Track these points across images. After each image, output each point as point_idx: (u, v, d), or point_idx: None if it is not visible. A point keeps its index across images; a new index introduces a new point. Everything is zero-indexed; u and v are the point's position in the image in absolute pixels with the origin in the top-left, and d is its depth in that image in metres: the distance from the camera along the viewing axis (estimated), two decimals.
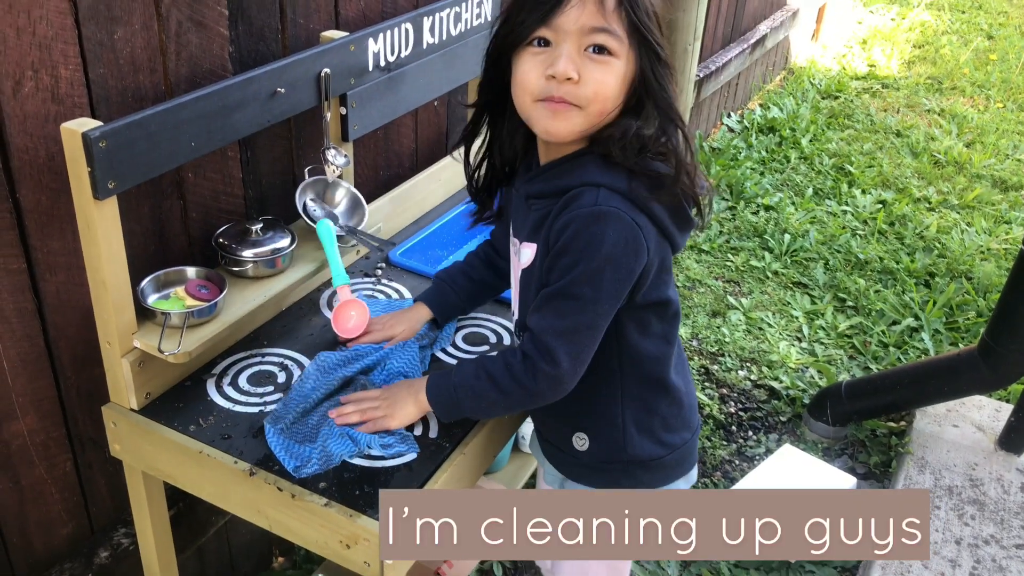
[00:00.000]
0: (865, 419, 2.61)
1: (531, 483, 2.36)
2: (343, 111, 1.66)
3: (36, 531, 1.47)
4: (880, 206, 3.98)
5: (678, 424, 1.40)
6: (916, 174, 4.34)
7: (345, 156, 1.67)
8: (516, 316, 1.42)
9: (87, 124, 1.19)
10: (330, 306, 1.69)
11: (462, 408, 1.32)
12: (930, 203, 4.07)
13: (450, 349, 1.60)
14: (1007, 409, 2.53)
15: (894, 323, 3.18)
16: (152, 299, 1.43)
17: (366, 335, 1.53)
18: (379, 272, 1.82)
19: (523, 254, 1.32)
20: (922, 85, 5.57)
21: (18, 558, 1.45)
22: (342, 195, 1.72)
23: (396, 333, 1.53)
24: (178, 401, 1.43)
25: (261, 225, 1.56)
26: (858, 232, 3.77)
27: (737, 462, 2.53)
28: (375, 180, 2.03)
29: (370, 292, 1.74)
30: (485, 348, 1.61)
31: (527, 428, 2.22)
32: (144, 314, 1.40)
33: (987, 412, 2.59)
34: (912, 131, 4.81)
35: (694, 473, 1.46)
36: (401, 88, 1.80)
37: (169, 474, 1.41)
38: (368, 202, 1.88)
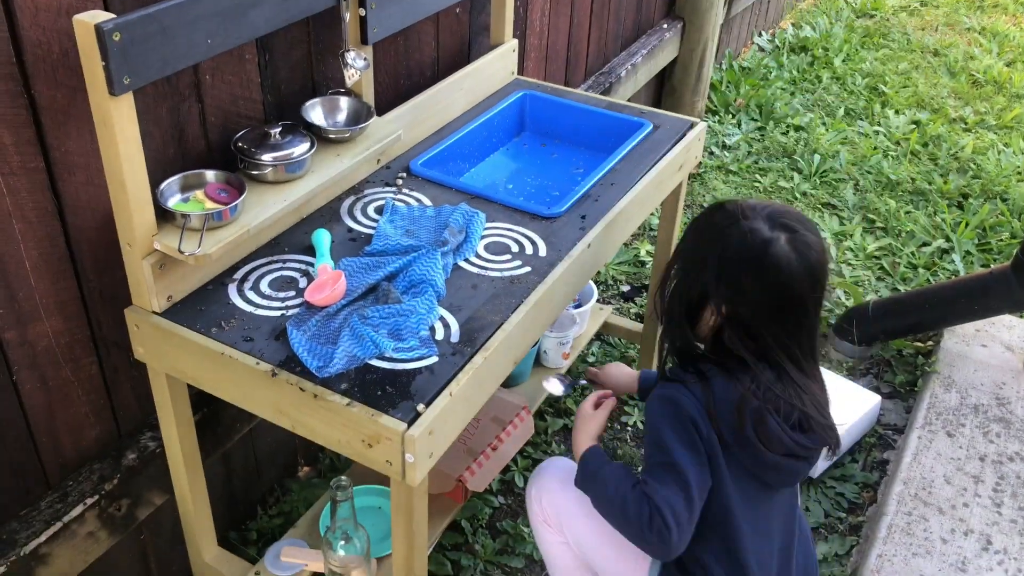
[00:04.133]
0: (892, 339, 2.58)
1: (550, 398, 2.37)
2: (362, 12, 1.62)
3: (64, 432, 1.49)
4: (914, 127, 3.88)
5: None
6: (953, 94, 4.21)
7: (365, 59, 1.63)
8: None
9: (100, 16, 1.16)
10: (351, 215, 1.68)
11: (592, 496, 1.45)
12: (966, 123, 3.96)
13: (473, 258, 1.58)
14: None
15: (924, 244, 3.12)
16: (172, 201, 1.42)
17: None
18: (399, 182, 1.79)
19: None
20: (962, 3, 5.37)
21: (48, 458, 1.48)
22: (349, 105, 1.69)
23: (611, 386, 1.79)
24: (200, 304, 1.43)
25: (280, 129, 1.54)
26: (890, 153, 3.68)
27: None
28: (395, 89, 1.99)
29: (391, 201, 1.71)
30: (507, 257, 1.59)
31: (549, 343, 2.22)
32: (164, 217, 1.39)
33: (1017, 332, 2.55)
34: (950, 50, 4.65)
35: None
36: None
37: (192, 376, 1.42)
38: (387, 111, 1.85)
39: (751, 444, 1.36)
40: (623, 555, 1.52)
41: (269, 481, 2.06)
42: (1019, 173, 3.55)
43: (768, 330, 1.37)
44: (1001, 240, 3.13)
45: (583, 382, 1.89)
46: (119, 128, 1.22)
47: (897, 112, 4.00)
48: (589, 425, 1.58)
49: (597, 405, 1.63)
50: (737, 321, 1.39)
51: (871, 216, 3.26)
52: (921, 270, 2.98)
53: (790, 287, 1.35)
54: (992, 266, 2.48)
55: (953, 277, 2.93)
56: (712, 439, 1.36)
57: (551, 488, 1.62)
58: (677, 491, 1.33)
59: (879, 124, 3.90)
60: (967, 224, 3.18)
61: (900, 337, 2.58)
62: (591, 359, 2.55)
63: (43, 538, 1.42)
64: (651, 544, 1.34)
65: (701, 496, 1.36)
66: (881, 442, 2.33)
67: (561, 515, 1.60)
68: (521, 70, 2.50)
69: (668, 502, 1.32)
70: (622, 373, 1.82)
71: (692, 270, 1.43)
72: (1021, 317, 2.64)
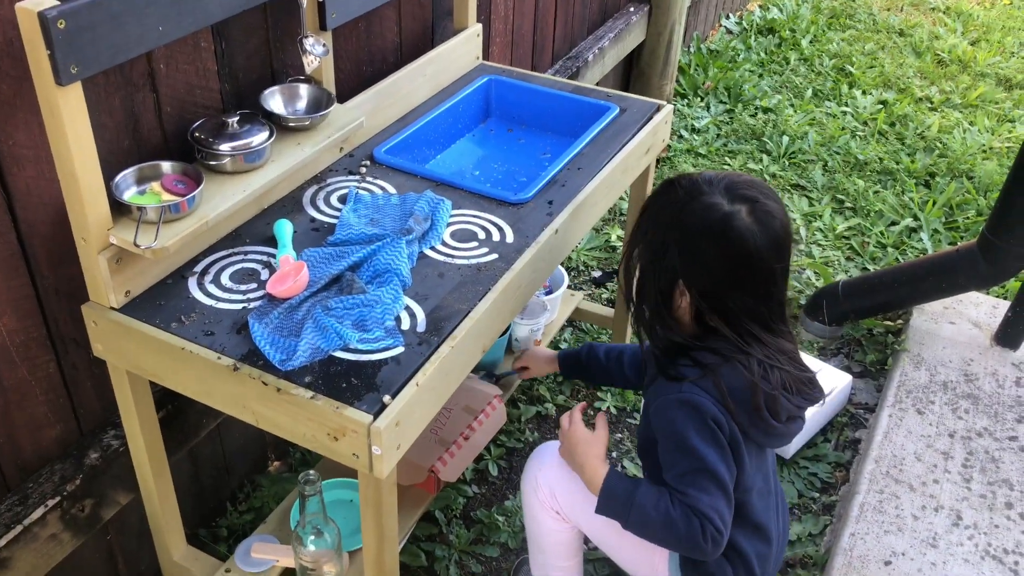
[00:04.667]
0: (862, 318, 2.59)
1: (525, 383, 2.36)
2: None
3: (23, 433, 1.45)
4: (881, 107, 3.89)
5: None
6: (919, 74, 4.24)
7: (324, 45, 1.60)
8: None
9: (44, 3, 1.12)
10: (313, 204, 1.65)
11: (626, 521, 1.39)
12: (932, 103, 3.98)
13: (439, 247, 1.56)
14: (1004, 306, 2.51)
15: (893, 223, 3.14)
16: (127, 194, 1.38)
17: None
18: (363, 170, 1.76)
19: None
20: None
21: (6, 460, 1.44)
22: (310, 93, 1.65)
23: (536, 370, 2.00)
24: (159, 299, 1.40)
25: (238, 118, 1.50)
26: (858, 133, 3.70)
27: None
28: (357, 76, 1.96)
29: (355, 190, 1.69)
30: (474, 244, 1.57)
31: (520, 330, 2.20)
32: (120, 210, 1.35)
33: (984, 309, 2.57)
34: (915, 30, 4.68)
35: None
36: None
37: (153, 372, 1.38)
38: (350, 98, 1.82)
39: (765, 422, 1.36)
40: (642, 545, 1.48)
41: (239, 477, 2.03)
42: (984, 151, 3.58)
43: (739, 304, 1.36)
44: (967, 218, 3.16)
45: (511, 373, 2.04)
46: (68, 119, 1.19)
47: (864, 92, 4.01)
48: (595, 447, 1.47)
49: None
50: (709, 298, 1.37)
51: (840, 196, 3.28)
52: (890, 249, 3.00)
53: (757, 258, 1.34)
54: (959, 244, 2.50)
55: (921, 255, 2.95)
56: (734, 431, 1.36)
57: (559, 478, 1.57)
58: (719, 495, 1.33)
59: (847, 105, 3.91)
60: (934, 203, 3.20)
61: (870, 316, 2.59)
62: (563, 345, 2.54)
63: (2, 542, 1.39)
64: (707, 551, 1.33)
65: (733, 488, 1.37)
66: (853, 421, 2.34)
67: (575, 507, 1.57)
68: (486, 55, 2.48)
69: (715, 508, 1.32)
70: (542, 355, 1.97)
71: (655, 256, 1.41)
72: (987, 294, 2.66)
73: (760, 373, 1.35)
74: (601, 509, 1.42)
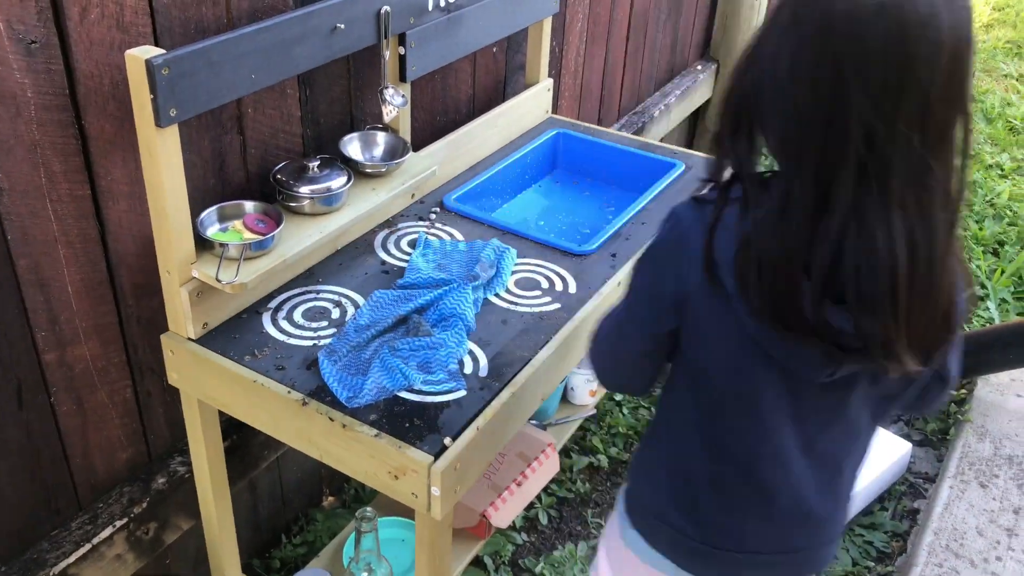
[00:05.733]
0: None
1: (578, 433, 2.37)
2: (401, 51, 1.66)
3: (97, 455, 1.51)
4: None
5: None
6: (989, 140, 4.19)
7: (403, 96, 1.66)
8: None
9: (151, 51, 1.20)
10: (384, 248, 1.70)
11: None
12: (1003, 170, 3.93)
13: (504, 294, 1.60)
14: None
15: None
16: (211, 231, 1.45)
17: None
18: (433, 216, 1.82)
19: None
20: (1000, 49, 5.35)
21: (80, 478, 1.50)
22: (386, 141, 1.72)
23: None
24: (234, 332, 1.46)
25: (318, 163, 1.57)
26: None
27: None
28: (432, 126, 2.03)
29: (424, 235, 1.74)
30: (537, 293, 1.60)
31: (576, 380, 2.22)
32: (203, 246, 1.42)
33: None
34: (987, 96, 4.63)
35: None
36: (460, 30, 1.78)
37: (224, 403, 1.44)
38: (423, 147, 1.88)
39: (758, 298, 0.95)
40: None
41: (294, 510, 2.07)
42: None
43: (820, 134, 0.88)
44: None
45: None
46: (164, 159, 1.26)
47: None
48: None
49: None
50: (776, 117, 0.93)
51: None
52: None
53: (859, 49, 0.84)
54: None
55: (988, 325, 2.89)
56: (691, 288, 1.04)
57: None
58: (615, 310, 1.16)
59: None
60: (1003, 271, 3.14)
61: None
62: (618, 396, 2.54)
63: (72, 559, 1.44)
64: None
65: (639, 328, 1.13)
66: (911, 490, 2.29)
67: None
68: (555, 109, 2.54)
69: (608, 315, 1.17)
70: None
71: (748, 56, 0.95)
72: None
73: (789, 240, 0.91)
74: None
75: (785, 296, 0.92)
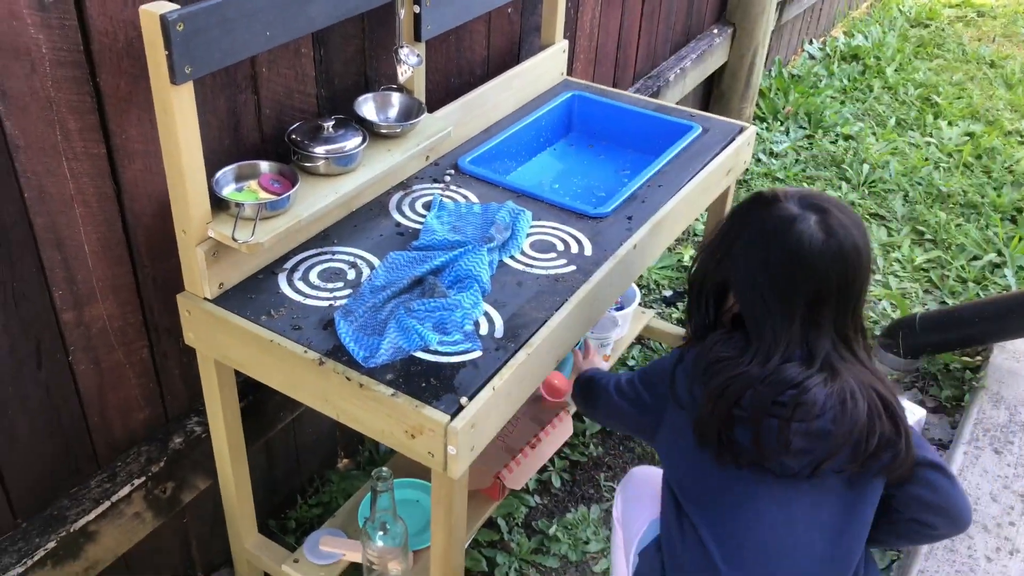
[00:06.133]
0: (939, 352, 2.54)
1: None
2: (416, 9, 1.64)
3: (115, 414, 1.52)
4: (967, 139, 3.80)
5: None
6: (1009, 106, 4.13)
7: (418, 55, 1.64)
8: None
9: (165, 7, 1.19)
10: (399, 210, 1.69)
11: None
12: (1022, 136, 3.88)
13: (519, 256, 1.59)
14: None
15: (975, 258, 3.06)
16: (226, 190, 1.44)
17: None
18: (447, 179, 1.80)
19: None
20: (1021, 14, 5.26)
21: (99, 438, 1.51)
22: (401, 102, 1.70)
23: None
24: (250, 292, 1.46)
25: (333, 123, 1.56)
26: (941, 165, 3.62)
27: None
28: (446, 87, 2.01)
29: (439, 197, 1.73)
30: (553, 255, 1.59)
31: (590, 344, 2.21)
32: (219, 205, 1.41)
33: None
34: (1007, 62, 4.56)
35: None
36: None
37: (240, 363, 1.44)
38: (438, 108, 1.86)
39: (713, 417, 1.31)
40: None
41: (309, 471, 2.08)
42: None
43: (772, 311, 1.28)
44: None
45: None
46: (179, 117, 1.25)
47: (950, 123, 3.93)
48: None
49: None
50: (748, 298, 1.32)
51: (920, 228, 3.21)
52: (971, 284, 2.92)
53: (809, 266, 1.25)
54: None
55: (1005, 292, 2.87)
56: (661, 395, 1.45)
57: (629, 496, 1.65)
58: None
59: (931, 135, 3.84)
60: (1020, 239, 3.11)
61: (947, 351, 2.53)
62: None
63: (92, 516, 1.46)
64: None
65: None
66: None
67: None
68: (570, 71, 2.51)
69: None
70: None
71: (721, 254, 1.37)
72: None
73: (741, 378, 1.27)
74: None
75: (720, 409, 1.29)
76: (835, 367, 1.27)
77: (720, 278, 1.37)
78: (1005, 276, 2.95)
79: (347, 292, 1.47)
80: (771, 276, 1.28)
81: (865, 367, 1.31)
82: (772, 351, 1.27)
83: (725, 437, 1.27)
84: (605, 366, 2.22)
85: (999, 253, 3.06)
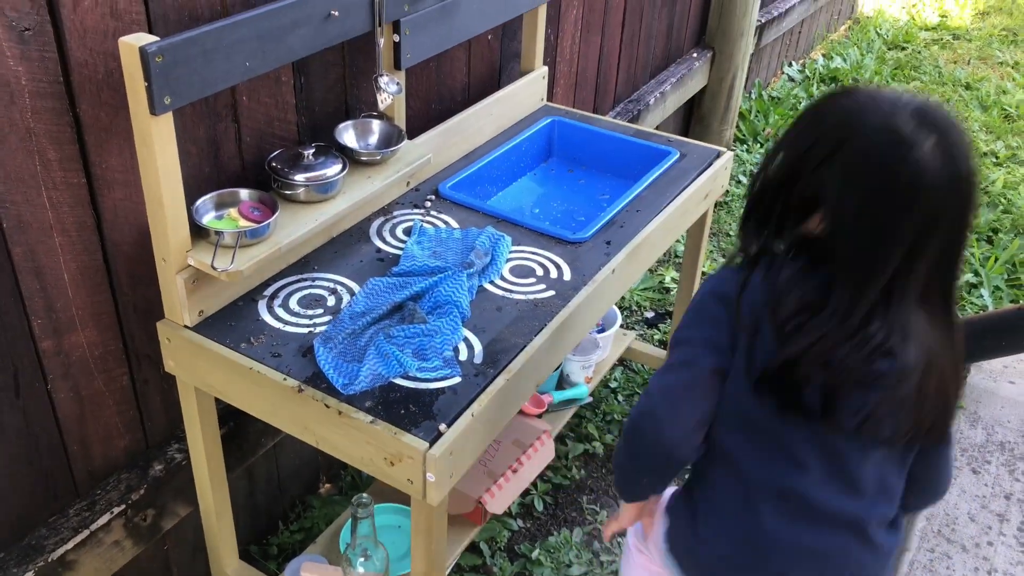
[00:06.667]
0: None
1: (574, 420, 2.38)
2: (396, 38, 1.66)
3: (95, 442, 1.52)
4: None
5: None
6: (984, 128, 4.19)
7: (398, 83, 1.66)
8: None
9: (145, 39, 1.20)
10: (379, 235, 1.70)
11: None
12: (998, 158, 3.94)
13: (499, 281, 1.60)
14: None
15: None
16: (206, 218, 1.45)
17: None
18: (428, 204, 1.82)
19: None
20: (996, 37, 5.35)
21: (78, 466, 1.51)
22: (381, 129, 1.72)
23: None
24: (230, 320, 1.46)
25: (313, 151, 1.57)
26: None
27: None
28: (427, 114, 2.03)
29: (419, 223, 1.74)
30: (532, 280, 1.61)
31: (571, 366, 2.23)
32: (198, 234, 1.42)
33: None
34: (982, 84, 4.64)
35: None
36: (455, 17, 1.78)
37: (220, 390, 1.44)
38: (418, 135, 1.88)
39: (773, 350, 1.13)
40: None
41: (291, 497, 2.08)
42: None
43: (883, 251, 1.08)
44: None
45: None
46: (159, 146, 1.26)
47: None
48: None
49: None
50: (849, 229, 1.10)
51: None
52: None
53: (927, 199, 1.05)
54: (1022, 302, 2.46)
55: (981, 312, 2.90)
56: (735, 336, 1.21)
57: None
58: (671, 368, 1.22)
59: None
60: (996, 259, 3.15)
61: None
62: (613, 384, 2.55)
63: (70, 545, 1.45)
64: (639, 427, 1.20)
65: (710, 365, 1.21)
66: None
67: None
68: (550, 96, 2.54)
69: (658, 382, 1.23)
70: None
71: (804, 164, 1.11)
72: None
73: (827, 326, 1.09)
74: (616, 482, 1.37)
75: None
76: (922, 326, 1.11)
77: (811, 191, 1.11)
78: (982, 296, 2.99)
79: (327, 319, 1.47)
80: (877, 205, 1.07)
81: (951, 327, 1.15)
82: (860, 297, 1.08)
83: (793, 397, 1.13)
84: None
85: (975, 273, 3.10)
